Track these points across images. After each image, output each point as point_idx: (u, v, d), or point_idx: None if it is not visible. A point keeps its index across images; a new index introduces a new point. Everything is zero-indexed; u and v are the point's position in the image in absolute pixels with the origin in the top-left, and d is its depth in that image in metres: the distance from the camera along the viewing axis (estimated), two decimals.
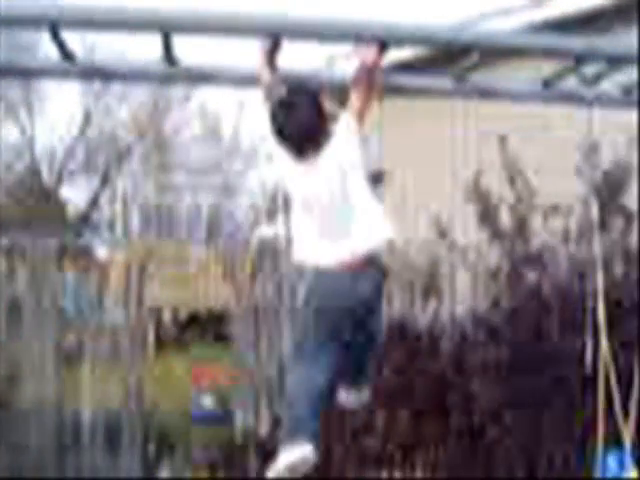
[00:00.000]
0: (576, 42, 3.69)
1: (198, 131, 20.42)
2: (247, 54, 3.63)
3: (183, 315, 10.01)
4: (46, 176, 19.91)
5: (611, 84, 4.01)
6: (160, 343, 9.81)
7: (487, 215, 6.02)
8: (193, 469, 6.96)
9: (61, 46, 3.32)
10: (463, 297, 6.51)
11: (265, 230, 8.70)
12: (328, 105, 3.35)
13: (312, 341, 3.19)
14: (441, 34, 3.56)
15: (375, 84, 3.38)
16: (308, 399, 3.15)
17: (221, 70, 3.65)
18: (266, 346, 7.28)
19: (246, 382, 7.19)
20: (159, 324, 9.86)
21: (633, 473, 3.81)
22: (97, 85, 17.81)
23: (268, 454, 6.13)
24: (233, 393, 7.32)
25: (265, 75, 3.35)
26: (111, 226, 7.98)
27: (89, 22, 3.14)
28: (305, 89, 3.37)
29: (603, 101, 4.07)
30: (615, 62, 3.76)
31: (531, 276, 5.84)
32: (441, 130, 8.24)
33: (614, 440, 3.93)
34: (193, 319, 10.03)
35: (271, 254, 7.52)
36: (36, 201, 18.29)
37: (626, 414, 3.88)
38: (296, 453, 3.07)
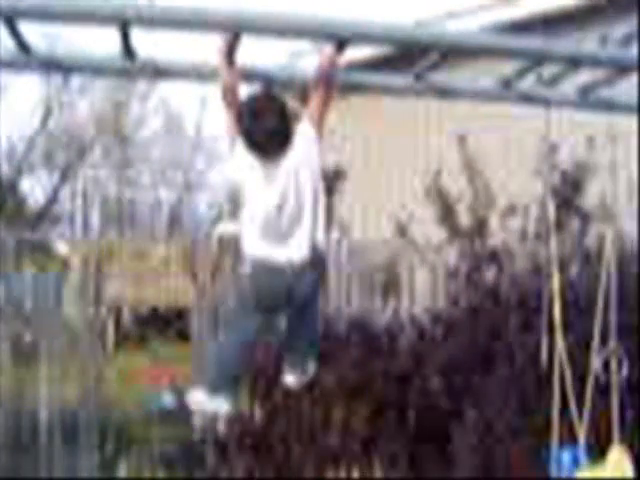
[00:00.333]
0: (535, 43, 3.73)
1: (160, 127, 20.33)
2: (208, 49, 3.62)
3: (143, 312, 9.95)
4: (5, 169, 19.68)
5: (569, 85, 4.06)
6: (120, 340, 9.74)
7: (446, 214, 6.07)
8: (151, 467, 6.92)
9: (17, 37, 3.28)
10: (422, 295, 6.55)
11: (226, 227, 8.67)
12: (292, 105, 3.40)
13: (242, 321, 3.52)
14: (402, 33, 3.57)
15: (333, 85, 3.42)
16: (226, 363, 3.54)
17: (181, 65, 3.64)
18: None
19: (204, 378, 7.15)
20: (119, 321, 9.79)
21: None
22: (57, 78, 17.64)
23: (226, 451, 6.14)
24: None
25: (223, 72, 3.36)
26: (71, 221, 7.91)
27: (46, 13, 3.11)
28: (271, 93, 3.43)
29: (561, 101, 4.12)
30: (573, 63, 3.80)
31: (489, 275, 5.89)
32: (404, 129, 8.28)
33: (569, 437, 3.99)
34: (153, 316, 9.97)
35: (232, 251, 7.51)
36: None
37: (580, 411, 3.93)
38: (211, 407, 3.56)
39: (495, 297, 5.78)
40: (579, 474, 3.88)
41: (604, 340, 4.11)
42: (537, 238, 5.83)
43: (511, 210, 5.96)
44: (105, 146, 20.14)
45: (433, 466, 5.73)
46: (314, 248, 3.40)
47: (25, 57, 3.43)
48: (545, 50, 3.68)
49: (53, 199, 19.14)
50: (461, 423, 5.56)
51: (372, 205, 7.96)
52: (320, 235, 3.42)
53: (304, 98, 3.48)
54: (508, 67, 3.88)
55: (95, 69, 3.75)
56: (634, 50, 3.69)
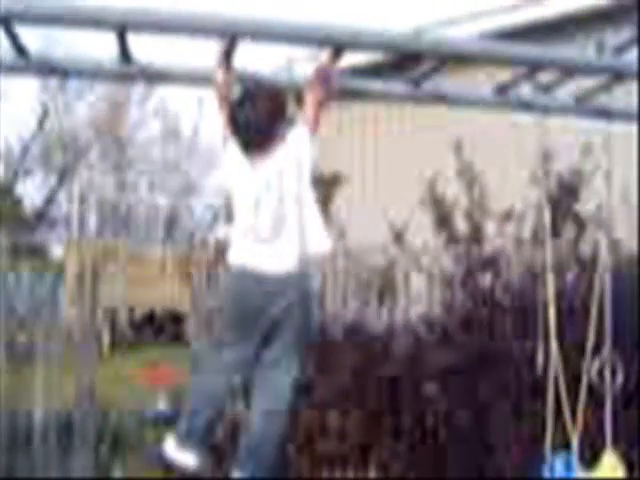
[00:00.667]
0: (531, 50, 3.75)
1: (157, 130, 20.34)
2: (205, 54, 3.63)
3: (139, 315, 9.95)
4: (2, 172, 19.68)
5: (566, 92, 4.08)
6: (115, 343, 9.74)
7: (443, 220, 6.08)
8: (146, 470, 6.92)
9: (14, 41, 3.29)
10: (418, 301, 6.56)
11: (223, 231, 8.67)
12: (288, 104, 3.39)
13: (229, 341, 3.23)
14: (398, 40, 3.59)
15: (329, 89, 3.42)
16: (197, 412, 3.29)
17: (178, 70, 3.65)
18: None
19: None
20: (114, 324, 9.78)
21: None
22: (54, 82, 17.65)
23: (222, 453, 6.13)
24: (187, 393, 7.30)
25: (219, 76, 3.37)
26: (68, 224, 7.91)
27: (44, 17, 3.12)
28: (266, 86, 3.42)
29: (558, 108, 4.14)
30: (569, 71, 3.82)
31: (485, 281, 5.90)
32: (400, 135, 8.30)
33: (562, 443, 4.00)
34: (149, 319, 9.98)
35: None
36: None
37: (574, 417, 3.94)
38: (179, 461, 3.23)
39: (491, 303, 5.80)
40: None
41: (599, 346, 4.12)
42: (533, 244, 5.84)
43: (507, 216, 5.97)
44: (102, 149, 20.14)
45: (427, 471, 5.73)
46: (303, 260, 3.18)
47: (22, 60, 3.44)
48: (542, 57, 3.70)
49: (50, 202, 19.13)
50: (456, 429, 5.57)
51: (369, 211, 7.98)
52: (313, 247, 3.21)
53: (299, 101, 3.49)
54: (505, 74, 3.89)
55: (92, 73, 3.76)
56: (630, 57, 3.72)
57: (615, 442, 3.93)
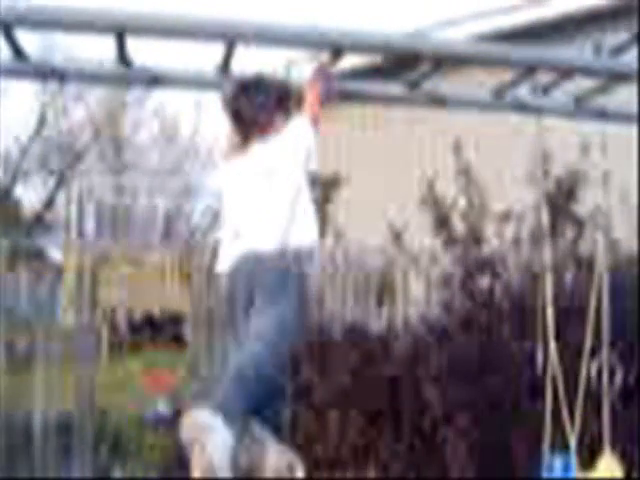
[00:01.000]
0: (529, 52, 3.77)
1: (156, 132, 20.32)
2: (203, 57, 3.64)
3: (138, 318, 9.94)
4: (1, 175, 19.66)
5: (564, 93, 4.09)
6: (114, 345, 9.74)
7: (441, 221, 6.08)
8: (146, 471, 6.92)
9: (13, 44, 3.30)
10: (417, 302, 6.56)
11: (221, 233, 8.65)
12: (290, 96, 3.41)
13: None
14: (396, 42, 3.60)
15: (329, 88, 3.43)
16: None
17: (176, 73, 3.66)
18: (220, 349, 7.26)
19: (199, 384, 7.16)
20: (113, 326, 9.78)
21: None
22: (53, 85, 17.64)
23: None
24: (186, 395, 7.29)
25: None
26: (66, 227, 7.91)
27: (42, 21, 3.13)
28: (266, 78, 3.46)
29: (555, 110, 4.15)
30: (567, 72, 3.83)
31: (483, 282, 5.91)
32: (399, 136, 8.30)
33: (561, 443, 4.01)
34: (147, 322, 9.97)
35: None
36: None
37: (572, 417, 3.95)
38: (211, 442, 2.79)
39: (489, 304, 5.80)
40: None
41: (597, 347, 4.13)
42: (531, 245, 5.85)
43: (505, 217, 5.98)
44: (101, 151, 20.12)
45: (427, 472, 5.73)
46: (285, 244, 3.17)
47: (21, 64, 3.45)
48: (539, 59, 3.71)
49: (48, 205, 19.13)
50: (455, 430, 5.58)
51: (368, 211, 7.98)
52: (299, 234, 3.21)
53: (300, 101, 3.49)
54: (503, 76, 3.90)
55: (91, 76, 3.76)
56: (627, 59, 3.73)
57: (613, 442, 3.94)
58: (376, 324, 6.51)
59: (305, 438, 5.84)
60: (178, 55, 5.06)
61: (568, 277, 5.81)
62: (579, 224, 5.93)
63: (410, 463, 5.79)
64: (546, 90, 4.02)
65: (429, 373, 5.72)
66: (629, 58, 3.79)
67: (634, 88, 3.90)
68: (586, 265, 5.59)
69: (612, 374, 4.08)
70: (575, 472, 3.91)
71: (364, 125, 8.35)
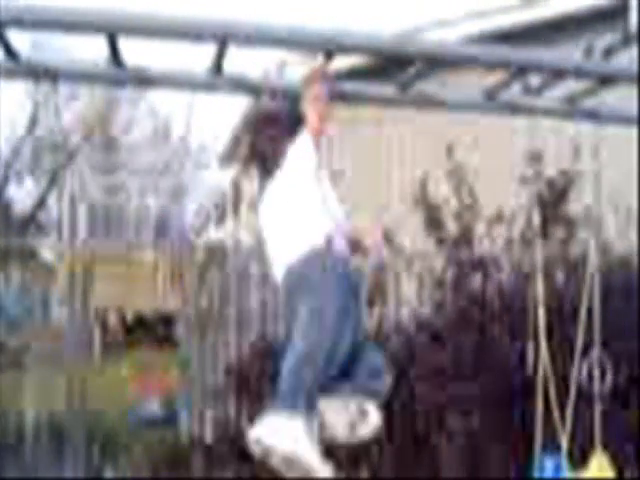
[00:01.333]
0: (519, 53, 3.77)
1: (148, 132, 20.30)
2: (196, 58, 3.64)
3: (129, 318, 9.95)
4: None
5: (555, 94, 4.10)
6: (106, 344, 9.73)
7: (434, 222, 6.09)
8: (136, 471, 6.92)
9: (5, 44, 3.30)
10: (408, 302, 6.57)
11: (213, 233, 8.68)
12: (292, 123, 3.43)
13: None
14: (388, 43, 3.60)
15: (327, 87, 3.44)
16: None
17: (169, 73, 3.65)
18: (211, 350, 7.27)
19: (190, 385, 7.17)
20: (105, 326, 9.77)
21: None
22: (44, 85, 17.60)
23: (212, 455, 6.13)
24: (178, 396, 7.30)
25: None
26: (58, 227, 7.91)
27: (34, 21, 3.12)
28: (263, 112, 3.54)
29: (547, 111, 4.16)
30: (558, 74, 3.84)
31: (475, 282, 5.92)
32: (391, 137, 8.30)
33: (551, 443, 4.02)
34: (139, 322, 9.97)
35: (219, 258, 7.52)
36: None
37: (563, 418, 3.97)
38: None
39: (481, 304, 5.81)
40: None
41: (588, 347, 4.15)
42: (523, 245, 5.86)
43: (497, 218, 5.99)
44: (92, 151, 20.09)
45: (418, 472, 5.74)
46: (302, 254, 3.31)
47: (13, 64, 3.44)
48: (530, 60, 3.72)
49: (40, 205, 19.09)
50: (447, 429, 5.59)
51: (360, 211, 7.98)
52: (306, 242, 3.34)
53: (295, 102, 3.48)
54: (496, 77, 3.91)
55: (83, 77, 3.76)
56: (617, 60, 3.74)
57: (605, 442, 3.96)
58: (368, 324, 6.51)
59: None
60: (170, 55, 5.06)
61: (559, 277, 5.83)
62: (570, 225, 5.95)
63: (402, 463, 5.79)
64: (538, 91, 4.03)
65: (420, 373, 5.73)
66: (620, 60, 3.81)
67: (625, 90, 3.91)
68: (577, 266, 5.61)
69: (603, 374, 4.09)
70: (566, 472, 3.92)
71: (355, 125, 8.35)
